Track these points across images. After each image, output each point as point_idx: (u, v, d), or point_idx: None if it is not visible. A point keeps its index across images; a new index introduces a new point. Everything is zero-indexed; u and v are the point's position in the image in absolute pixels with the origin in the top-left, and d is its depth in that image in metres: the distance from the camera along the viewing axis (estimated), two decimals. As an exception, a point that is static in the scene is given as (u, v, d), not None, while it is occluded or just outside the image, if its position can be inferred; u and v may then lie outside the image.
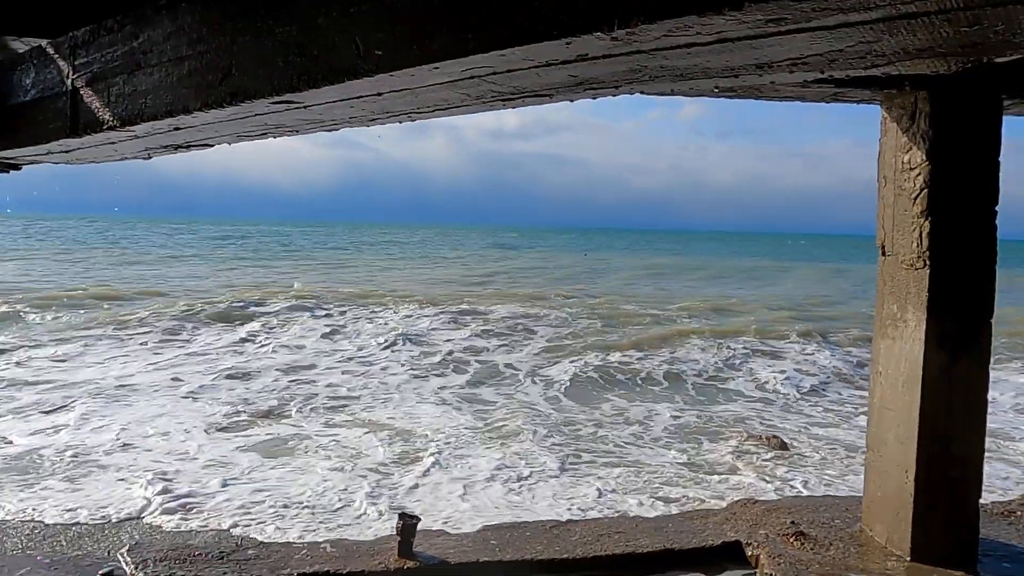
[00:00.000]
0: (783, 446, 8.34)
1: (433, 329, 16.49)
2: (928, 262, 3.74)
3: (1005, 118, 3.85)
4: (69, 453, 7.49)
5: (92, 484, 6.67)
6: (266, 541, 4.44)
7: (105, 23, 2.51)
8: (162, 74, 2.31)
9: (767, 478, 7.37)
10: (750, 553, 4.06)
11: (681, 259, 53.36)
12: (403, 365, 12.71)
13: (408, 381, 11.68)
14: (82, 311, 17.29)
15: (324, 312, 18.05)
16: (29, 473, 6.91)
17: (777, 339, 16.50)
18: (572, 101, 1.92)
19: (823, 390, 11.95)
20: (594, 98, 1.89)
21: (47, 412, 9.14)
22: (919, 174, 3.77)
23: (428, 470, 7.38)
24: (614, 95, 1.84)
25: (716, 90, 1.79)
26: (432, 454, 7.83)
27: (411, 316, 18.11)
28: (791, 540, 4.05)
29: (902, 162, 3.88)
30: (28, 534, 5.56)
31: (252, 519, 6.03)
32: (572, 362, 13.24)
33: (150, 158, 3.18)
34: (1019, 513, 4.56)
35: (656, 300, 24.25)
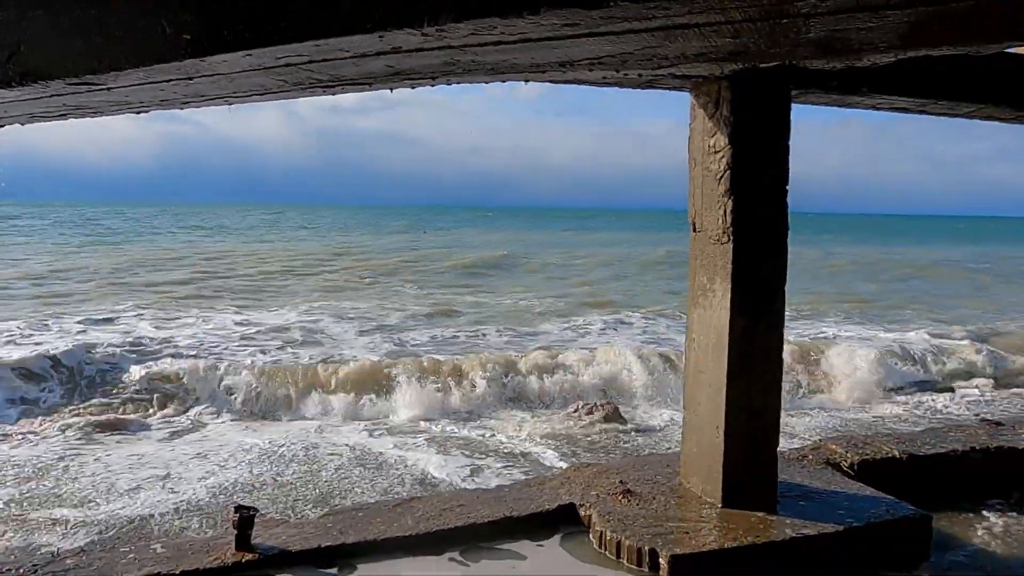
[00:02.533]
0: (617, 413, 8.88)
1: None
2: (732, 237, 4.12)
3: (795, 105, 4.31)
4: None
5: None
6: (87, 547, 4.15)
7: None
8: (-64, 48, 2.08)
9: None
10: (583, 513, 4.33)
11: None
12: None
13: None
14: None
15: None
16: None
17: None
18: (391, 90, 1.95)
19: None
20: (412, 87, 1.93)
21: None
22: (723, 156, 4.13)
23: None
24: (432, 85, 1.89)
25: (526, 82, 1.89)
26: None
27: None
28: (619, 498, 4.36)
29: (708, 145, 4.23)
30: None
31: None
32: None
33: (-74, 139, 2.85)
34: (810, 457, 5.17)
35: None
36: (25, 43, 1.93)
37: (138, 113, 2.37)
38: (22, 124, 2.54)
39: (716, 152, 4.17)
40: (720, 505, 4.20)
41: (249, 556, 3.80)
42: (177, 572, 3.69)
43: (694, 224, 4.41)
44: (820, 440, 5.77)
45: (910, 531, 4.21)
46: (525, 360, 10.92)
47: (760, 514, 4.14)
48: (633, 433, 8.34)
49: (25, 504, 6.21)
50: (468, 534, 4.17)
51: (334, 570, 3.83)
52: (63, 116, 2.39)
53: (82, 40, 1.86)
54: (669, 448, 7.35)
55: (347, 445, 7.78)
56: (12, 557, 4.34)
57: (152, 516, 5.94)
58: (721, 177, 4.15)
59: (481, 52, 1.52)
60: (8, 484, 6.60)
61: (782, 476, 4.52)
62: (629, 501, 4.32)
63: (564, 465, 6.56)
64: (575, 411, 8.97)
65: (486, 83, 1.88)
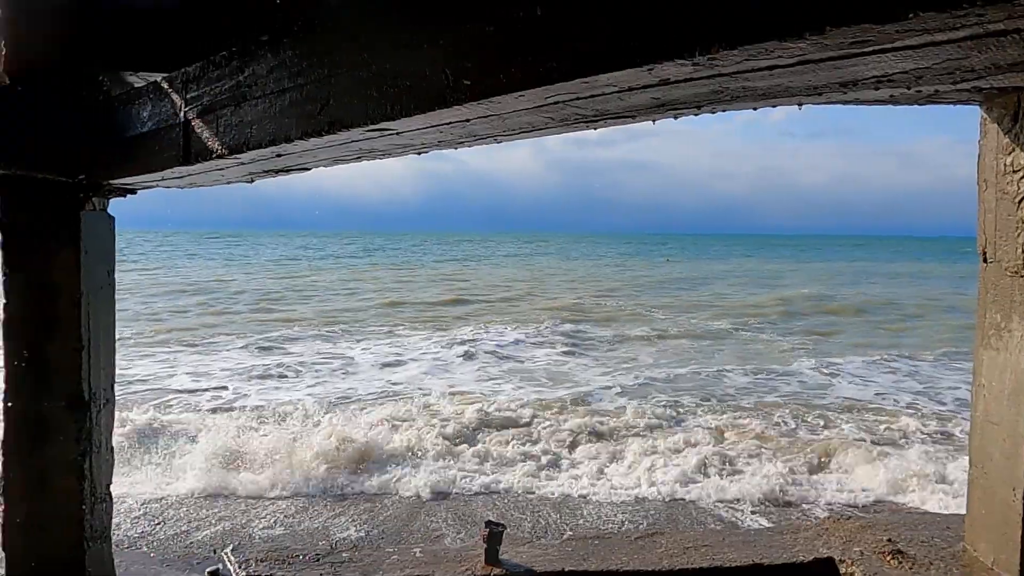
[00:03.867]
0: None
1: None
2: (1034, 269, 3.56)
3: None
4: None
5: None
6: (359, 545, 4.61)
7: (213, 59, 2.71)
8: (266, 105, 2.48)
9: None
10: (844, 571, 3.94)
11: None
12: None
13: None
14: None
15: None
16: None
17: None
18: (654, 122, 1.96)
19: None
20: (676, 118, 1.92)
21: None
22: (1023, 177, 3.60)
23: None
24: (696, 115, 1.87)
25: (799, 105, 1.79)
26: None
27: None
28: (888, 558, 3.91)
29: (1004, 164, 3.71)
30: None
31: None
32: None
33: (252, 181, 3.39)
34: None
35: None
36: (333, 96, 2.22)
37: (419, 153, 2.62)
38: (327, 166, 2.94)
39: (1015, 172, 3.64)
40: (1018, 581, 3.60)
41: (497, 571, 3.96)
42: (433, 577, 3.95)
43: (984, 253, 3.88)
44: None
45: None
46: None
47: (1073, 597, 3.48)
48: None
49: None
50: (713, 577, 4.00)
51: (576, 596, 3.86)
52: (359, 158, 2.72)
53: (377, 91, 2.09)
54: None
55: None
56: (303, 545, 4.94)
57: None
58: (1021, 200, 3.62)
59: (753, 78, 1.46)
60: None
61: (1102, 555, 3.76)
62: (900, 563, 3.86)
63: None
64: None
65: (754, 109, 1.81)
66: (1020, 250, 3.62)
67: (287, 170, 3.05)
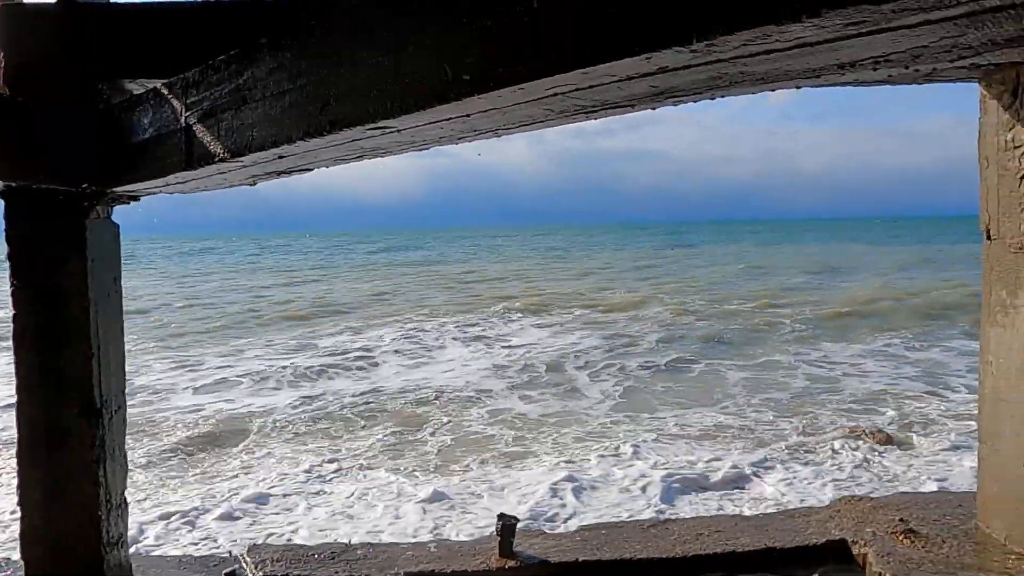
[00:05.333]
0: (888, 440, 8.03)
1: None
2: (1038, 245, 3.56)
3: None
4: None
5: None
6: (374, 542, 4.63)
7: (213, 63, 2.72)
8: (266, 107, 2.49)
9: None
10: (857, 552, 3.96)
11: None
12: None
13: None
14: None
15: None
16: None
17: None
18: (654, 110, 1.96)
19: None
20: (675, 105, 1.92)
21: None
22: (1024, 153, 3.60)
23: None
24: (695, 102, 1.87)
25: (797, 87, 1.80)
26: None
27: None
28: (900, 538, 3.92)
29: (1005, 141, 3.71)
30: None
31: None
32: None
33: (255, 184, 3.40)
34: None
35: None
36: (333, 96, 2.23)
37: (420, 150, 2.63)
38: (328, 167, 2.95)
39: (1016, 148, 3.63)
40: (1031, 556, 3.60)
41: (511, 563, 3.98)
42: (448, 571, 3.98)
43: (988, 231, 3.87)
44: None
45: None
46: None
47: (1087, 571, 3.49)
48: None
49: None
50: (726, 562, 4.01)
51: (591, 585, 3.89)
52: (360, 157, 2.73)
53: (377, 89, 2.10)
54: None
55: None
56: (318, 543, 4.97)
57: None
58: (1023, 176, 3.61)
59: (751, 63, 1.47)
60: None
61: (1115, 528, 3.76)
62: (913, 542, 3.87)
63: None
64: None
65: (753, 94, 1.82)
66: (1023, 226, 3.62)
67: (289, 171, 3.06)
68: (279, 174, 3.11)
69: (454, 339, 17.72)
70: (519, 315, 21.89)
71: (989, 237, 3.86)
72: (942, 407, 9.88)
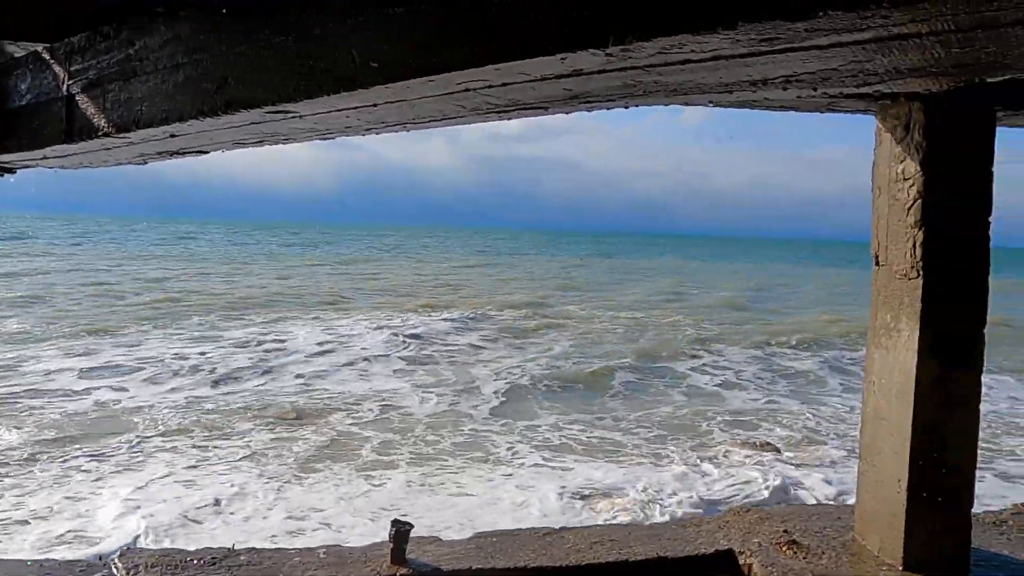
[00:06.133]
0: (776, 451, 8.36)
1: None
2: (921, 272, 3.75)
3: (999, 129, 3.88)
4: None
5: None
6: (259, 547, 4.42)
7: (102, 30, 2.51)
8: (158, 81, 2.31)
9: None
10: (743, 561, 4.06)
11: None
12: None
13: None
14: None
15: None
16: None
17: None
18: (567, 114, 1.93)
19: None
20: (589, 111, 1.89)
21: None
22: (913, 185, 3.78)
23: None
24: (608, 108, 1.85)
25: (711, 104, 1.80)
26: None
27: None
28: (784, 549, 4.05)
29: (896, 172, 3.89)
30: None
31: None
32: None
33: (146, 163, 3.18)
34: (1011, 523, 4.57)
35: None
36: (232, 76, 2.09)
37: (324, 139, 2.51)
38: (226, 150, 2.78)
39: (906, 180, 3.82)
40: (901, 567, 3.79)
41: (403, 571, 3.87)
42: (336, 580, 3.82)
43: (876, 257, 4.06)
44: (1023, 504, 5.09)
45: None
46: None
47: (950, 583, 3.69)
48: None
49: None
50: (619, 571, 4.04)
51: (483, 594, 3.83)
52: (260, 143, 2.58)
53: (279, 71, 1.98)
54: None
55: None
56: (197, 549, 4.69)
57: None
58: (911, 207, 3.80)
59: (666, 72, 1.45)
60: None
61: (975, 543, 4.01)
62: (795, 553, 4.00)
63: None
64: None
65: (666, 105, 1.81)
66: (909, 254, 3.81)
67: (183, 152, 2.87)
68: (172, 154, 2.91)
69: (359, 336, 17.37)
70: (435, 315, 21.70)
71: (878, 263, 4.05)
72: (825, 423, 10.39)
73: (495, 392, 11.89)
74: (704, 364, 14.85)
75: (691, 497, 7.01)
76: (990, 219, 3.82)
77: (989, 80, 1.82)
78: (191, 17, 2.20)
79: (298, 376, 12.69)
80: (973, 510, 3.93)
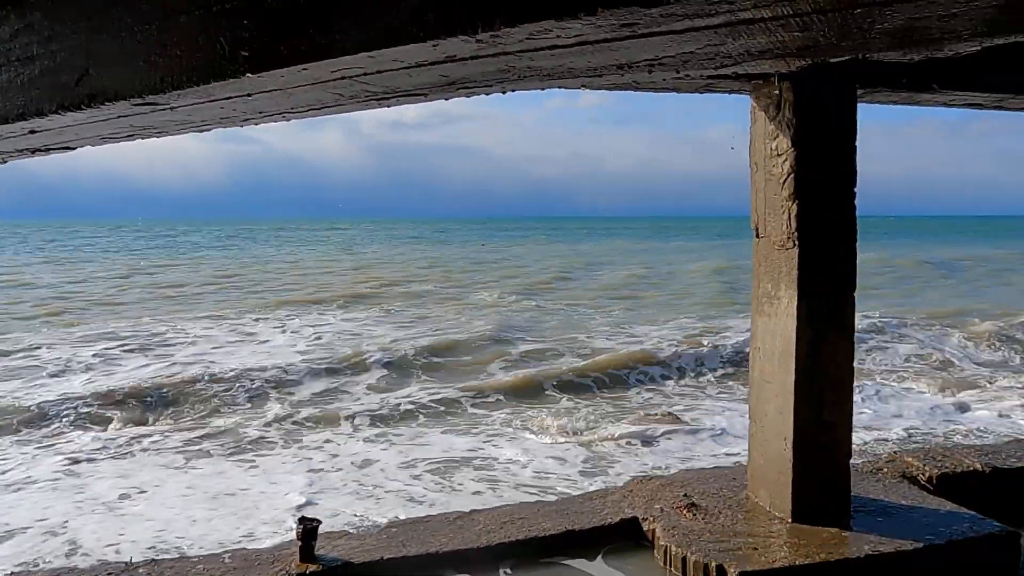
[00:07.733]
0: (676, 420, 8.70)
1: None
2: (797, 242, 3.98)
3: (861, 105, 4.15)
4: None
5: None
6: (158, 558, 4.25)
7: (-56, 19, 2.32)
8: (11, 74, 2.16)
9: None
10: (647, 527, 4.23)
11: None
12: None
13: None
14: None
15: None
16: None
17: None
18: (447, 100, 1.94)
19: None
20: (468, 96, 1.91)
21: None
22: (786, 160, 4.01)
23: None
24: (487, 94, 1.87)
25: (583, 87, 1.85)
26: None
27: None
28: (684, 512, 4.25)
29: (770, 148, 4.11)
30: None
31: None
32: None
33: (5, 163, 2.97)
34: (886, 471, 4.95)
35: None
36: (93, 66, 1.98)
37: (200, 131, 2.42)
38: (94, 145, 2.63)
39: (779, 155, 4.04)
40: (790, 520, 4.05)
41: (313, 568, 3.82)
42: (243, 583, 3.74)
43: (757, 229, 4.28)
44: (896, 452, 5.52)
45: (996, 550, 3.98)
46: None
47: (833, 530, 3.97)
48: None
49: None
50: (529, 548, 4.12)
51: (395, 583, 3.83)
52: (131, 137, 2.46)
53: (144, 60, 1.89)
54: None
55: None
56: (91, 564, 4.47)
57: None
58: (784, 181, 4.03)
59: (537, 57, 1.48)
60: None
61: (855, 490, 4.33)
62: (695, 515, 4.20)
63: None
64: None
65: (542, 90, 1.84)
66: (785, 226, 4.04)
67: (47, 149, 2.69)
68: (33, 152, 2.73)
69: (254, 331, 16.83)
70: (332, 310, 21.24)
71: (758, 235, 4.27)
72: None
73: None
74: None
75: (600, 468, 7.21)
76: (855, 190, 4.10)
77: (831, 61, 1.95)
78: (43, 4, 2.07)
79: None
80: (852, 460, 4.24)
